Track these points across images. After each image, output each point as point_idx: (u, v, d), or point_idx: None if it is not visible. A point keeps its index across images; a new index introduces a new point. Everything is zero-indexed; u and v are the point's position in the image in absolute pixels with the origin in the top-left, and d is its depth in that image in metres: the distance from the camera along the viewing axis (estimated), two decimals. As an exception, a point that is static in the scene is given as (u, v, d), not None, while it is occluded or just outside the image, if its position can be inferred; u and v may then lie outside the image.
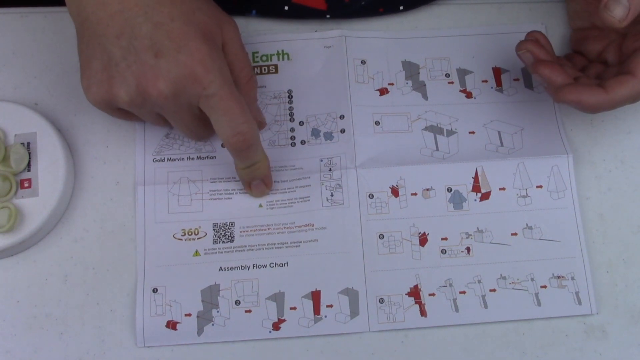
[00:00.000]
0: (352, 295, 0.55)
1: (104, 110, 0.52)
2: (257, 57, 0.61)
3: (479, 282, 0.56)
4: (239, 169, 0.55)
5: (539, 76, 0.53)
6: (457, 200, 0.57)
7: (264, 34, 0.61)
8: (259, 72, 0.60)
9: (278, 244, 0.56)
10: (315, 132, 0.59)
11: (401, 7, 0.62)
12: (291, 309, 0.55)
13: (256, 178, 0.55)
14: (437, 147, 0.58)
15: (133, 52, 0.48)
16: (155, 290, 0.54)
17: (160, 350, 0.54)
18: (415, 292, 0.55)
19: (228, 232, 0.56)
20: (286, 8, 0.60)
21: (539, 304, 0.55)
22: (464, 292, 0.55)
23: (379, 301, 0.55)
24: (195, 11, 0.50)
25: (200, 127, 0.54)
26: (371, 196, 0.57)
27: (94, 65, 0.50)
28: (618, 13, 0.50)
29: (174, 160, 0.58)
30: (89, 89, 0.50)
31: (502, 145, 0.59)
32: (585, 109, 0.52)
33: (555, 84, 0.53)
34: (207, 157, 0.58)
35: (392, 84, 0.60)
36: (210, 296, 0.55)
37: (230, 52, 0.53)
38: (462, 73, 0.61)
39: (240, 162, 0.54)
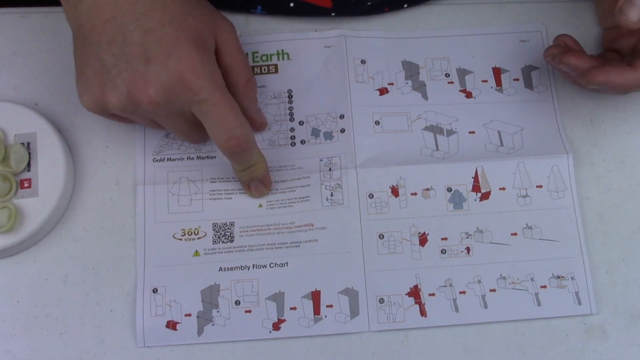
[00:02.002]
0: (352, 295, 0.55)
1: (99, 115, 0.52)
2: (257, 57, 0.61)
3: (479, 282, 0.56)
4: (236, 171, 0.55)
5: (566, 65, 0.54)
6: (457, 200, 0.57)
7: (264, 34, 0.61)
8: (259, 72, 0.60)
9: (278, 244, 0.56)
10: (315, 132, 0.59)
11: (405, 5, 0.62)
12: (291, 309, 0.55)
13: (254, 180, 0.55)
14: (437, 147, 0.58)
15: (124, 58, 0.48)
16: (155, 290, 0.54)
17: (160, 350, 0.54)
18: (415, 292, 0.55)
19: (228, 232, 0.56)
20: (292, 5, 0.60)
21: (539, 304, 0.55)
22: (464, 292, 0.55)
23: (379, 301, 0.55)
24: (186, 16, 0.50)
25: (194, 131, 0.54)
26: (371, 196, 0.57)
27: (87, 71, 0.50)
28: (633, 16, 0.50)
29: (174, 160, 0.58)
30: (82, 95, 0.51)
31: (502, 145, 0.59)
32: (614, 89, 0.53)
33: (583, 69, 0.53)
34: (207, 157, 0.58)
35: (392, 84, 0.60)
36: (210, 296, 0.55)
37: (227, 54, 0.53)
38: (462, 73, 0.61)
39: (236, 165, 0.54)
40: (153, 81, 0.48)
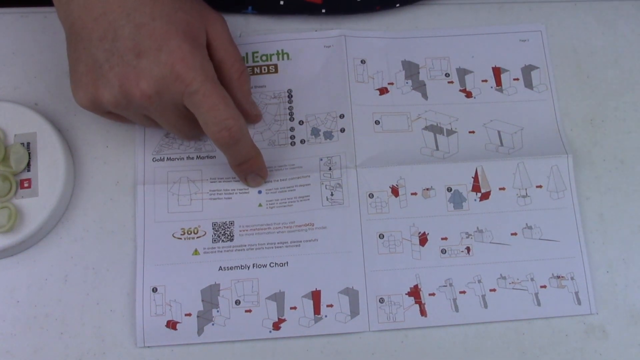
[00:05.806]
0: (352, 295, 0.55)
1: (94, 113, 0.53)
2: (257, 57, 0.61)
3: (479, 282, 0.56)
4: (233, 166, 0.55)
5: None
6: (457, 200, 0.57)
7: (263, 34, 0.61)
8: (258, 72, 0.60)
9: (278, 243, 0.56)
10: (315, 132, 0.59)
11: (397, 5, 0.62)
12: (291, 308, 0.55)
13: (251, 173, 0.55)
14: (437, 146, 0.58)
15: (116, 53, 0.49)
16: (154, 290, 0.54)
17: (160, 350, 0.54)
18: (415, 292, 0.55)
19: (227, 231, 0.56)
20: (282, 3, 0.60)
21: (538, 304, 0.55)
22: (464, 292, 0.55)
23: (379, 301, 0.55)
24: (177, 10, 0.51)
25: (188, 126, 0.54)
26: (371, 196, 0.57)
27: (80, 68, 0.50)
28: None
29: (174, 159, 0.58)
30: (76, 92, 0.51)
31: (502, 145, 0.59)
32: None
33: None
34: (207, 156, 0.58)
35: (392, 84, 0.60)
36: (210, 296, 0.55)
37: (219, 48, 0.53)
38: (462, 73, 0.61)
39: (231, 158, 0.54)
40: (145, 74, 0.49)
